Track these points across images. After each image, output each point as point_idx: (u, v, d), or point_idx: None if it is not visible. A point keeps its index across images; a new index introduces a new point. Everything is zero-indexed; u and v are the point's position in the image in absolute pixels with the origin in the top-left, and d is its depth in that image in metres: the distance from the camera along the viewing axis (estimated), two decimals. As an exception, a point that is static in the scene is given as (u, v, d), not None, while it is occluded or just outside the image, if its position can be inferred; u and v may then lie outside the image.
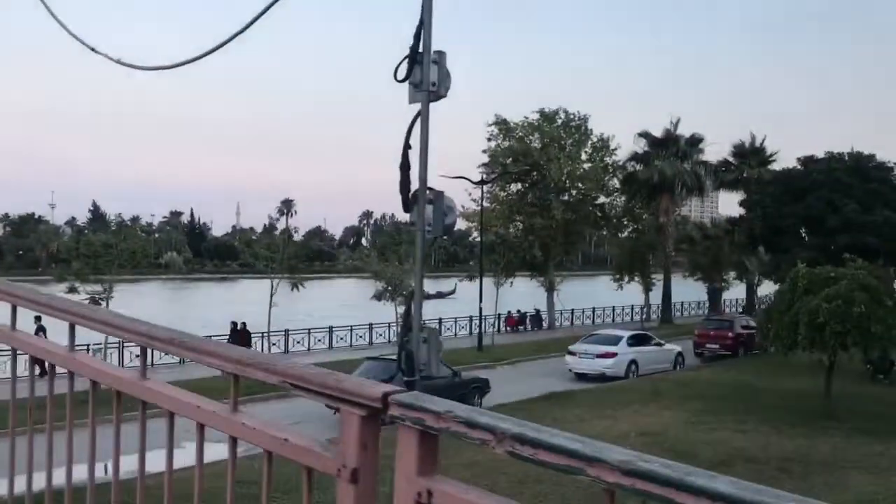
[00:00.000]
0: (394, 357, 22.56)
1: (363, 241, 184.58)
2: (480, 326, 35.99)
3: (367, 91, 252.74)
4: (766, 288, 59.10)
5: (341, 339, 37.31)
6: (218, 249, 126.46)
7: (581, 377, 27.78)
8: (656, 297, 51.59)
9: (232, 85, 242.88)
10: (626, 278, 51.37)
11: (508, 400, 22.86)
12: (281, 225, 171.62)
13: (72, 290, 25.07)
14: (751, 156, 52.20)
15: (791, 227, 26.82)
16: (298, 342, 35.43)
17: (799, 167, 28.86)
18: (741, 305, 58.09)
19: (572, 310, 48.93)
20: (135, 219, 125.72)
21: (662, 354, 29.48)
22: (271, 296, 28.88)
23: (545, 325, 46.52)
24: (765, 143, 52.83)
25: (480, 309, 36.52)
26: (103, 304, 25.40)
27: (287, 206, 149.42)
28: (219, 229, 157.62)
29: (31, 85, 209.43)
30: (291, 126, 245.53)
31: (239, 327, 30.18)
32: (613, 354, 27.33)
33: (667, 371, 29.08)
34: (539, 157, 44.51)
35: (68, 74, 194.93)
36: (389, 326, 39.09)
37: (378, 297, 38.50)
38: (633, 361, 27.81)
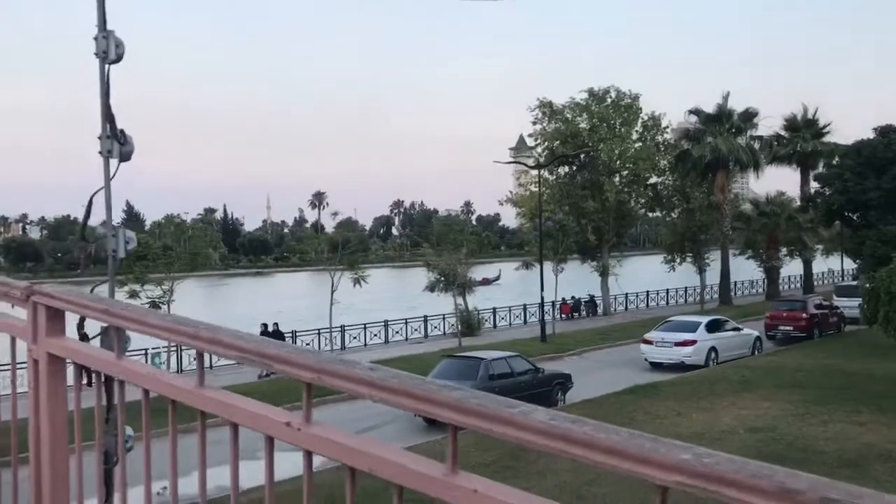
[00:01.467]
0: (473, 354, 21.54)
1: (393, 230, 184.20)
2: (542, 316, 34.76)
3: (392, 80, 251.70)
4: (820, 265, 57.39)
5: (397, 332, 36.37)
6: (252, 244, 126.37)
7: (656, 366, 26.55)
8: (709, 277, 50.08)
9: (252, 78, 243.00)
10: (678, 259, 49.93)
11: (591, 395, 21.73)
12: (310, 217, 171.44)
13: (133, 294, 24.28)
14: (804, 128, 50.41)
15: (875, 201, 25.31)
16: (354, 338, 34.54)
17: (878, 137, 27.32)
18: (795, 283, 56.33)
19: (626, 294, 47.58)
20: (169, 217, 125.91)
21: (741, 339, 28.14)
22: (332, 292, 27.93)
23: (600, 310, 45.25)
24: (817, 115, 51.06)
25: (542, 298, 35.30)
26: (164, 308, 24.61)
27: (319, 199, 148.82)
28: (249, 224, 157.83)
29: (56, 86, 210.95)
30: (316, 117, 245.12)
31: (271, 329, 28.27)
32: (693, 342, 26.04)
33: (745, 357, 27.74)
34: (589, 138, 43.15)
35: (90, 76, 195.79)
36: (444, 318, 38.11)
37: (431, 288, 37.52)
38: (713, 349, 26.51)
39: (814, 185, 52.09)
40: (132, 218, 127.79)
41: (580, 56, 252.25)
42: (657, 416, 19.03)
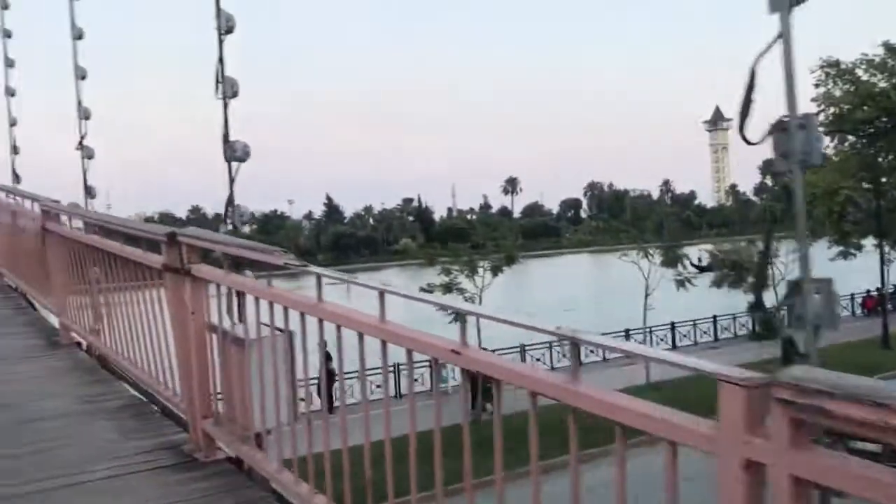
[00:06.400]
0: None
1: (581, 213, 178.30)
2: (885, 313, 28.78)
3: (578, 60, 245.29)
4: None
5: (684, 336, 31.78)
6: (449, 232, 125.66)
7: None
8: None
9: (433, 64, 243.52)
10: None
11: None
12: (495, 203, 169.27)
13: (448, 288, 21.25)
14: None
15: None
16: (640, 343, 30.24)
17: None
18: None
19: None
20: (367, 208, 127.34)
21: None
22: (646, 292, 23.74)
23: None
24: None
25: (883, 294, 29.47)
26: (476, 302, 21.56)
27: (512, 185, 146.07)
28: (437, 212, 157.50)
29: (249, 89, 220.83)
30: (491, 102, 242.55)
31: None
32: None
33: None
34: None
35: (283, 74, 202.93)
36: (734, 319, 33.07)
37: (718, 283, 32.59)
38: None
39: None
40: (332, 211, 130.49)
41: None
42: None
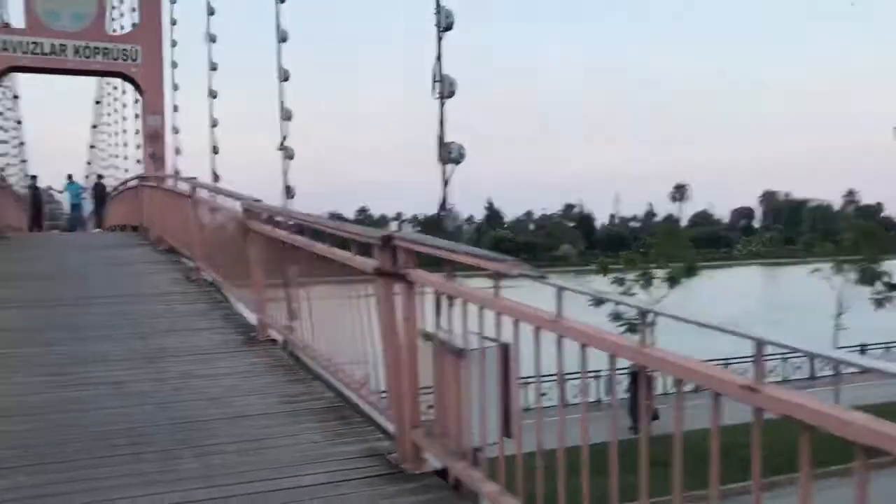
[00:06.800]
0: None
1: (754, 223, 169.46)
2: None
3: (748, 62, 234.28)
4: None
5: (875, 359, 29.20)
6: (611, 239, 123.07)
7: None
8: None
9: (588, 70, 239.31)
10: None
11: None
12: (662, 211, 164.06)
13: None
14: None
15: None
16: (798, 367, 27.83)
17: None
18: None
19: None
20: (528, 213, 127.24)
21: None
22: (839, 309, 21.99)
23: None
24: None
25: None
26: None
27: (680, 192, 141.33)
28: (599, 218, 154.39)
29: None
30: (660, 106, 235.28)
31: None
32: None
33: None
34: None
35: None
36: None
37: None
38: None
39: None
40: (493, 214, 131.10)
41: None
42: None
